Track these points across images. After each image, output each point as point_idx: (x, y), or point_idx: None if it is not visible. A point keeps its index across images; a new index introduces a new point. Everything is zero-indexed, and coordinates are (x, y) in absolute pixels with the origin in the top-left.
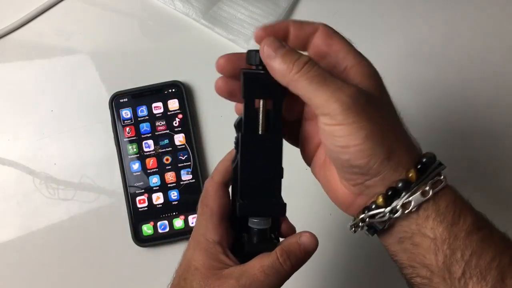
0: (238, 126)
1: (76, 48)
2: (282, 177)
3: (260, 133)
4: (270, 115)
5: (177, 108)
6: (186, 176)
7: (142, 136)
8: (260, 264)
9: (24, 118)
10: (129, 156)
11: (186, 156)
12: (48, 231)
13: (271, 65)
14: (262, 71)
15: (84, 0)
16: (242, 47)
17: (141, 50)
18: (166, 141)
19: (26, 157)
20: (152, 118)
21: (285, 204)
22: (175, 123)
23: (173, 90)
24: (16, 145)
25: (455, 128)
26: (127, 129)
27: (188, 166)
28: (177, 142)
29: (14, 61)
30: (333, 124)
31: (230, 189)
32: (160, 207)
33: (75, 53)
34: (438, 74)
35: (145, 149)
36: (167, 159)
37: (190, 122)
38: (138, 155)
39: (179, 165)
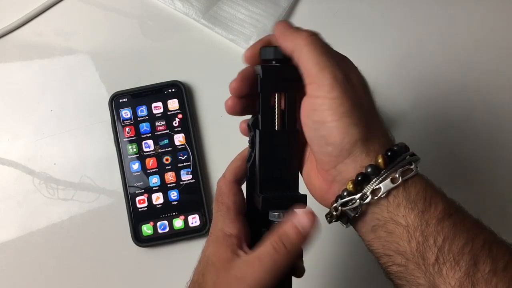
0: (253, 124)
1: (76, 48)
2: (298, 170)
3: (276, 129)
4: (285, 110)
5: (177, 108)
6: (186, 176)
7: (142, 136)
8: (257, 253)
9: (24, 118)
10: (129, 156)
11: (186, 156)
12: (48, 231)
13: (284, 34)
14: (277, 65)
15: (84, 0)
16: (242, 47)
17: (141, 50)
18: (166, 141)
19: (26, 157)
20: (152, 118)
21: (305, 196)
22: (175, 123)
23: (173, 90)
24: (16, 145)
25: (455, 128)
26: (127, 129)
27: (188, 166)
28: (177, 142)
29: (14, 61)
30: (317, 96)
31: (244, 187)
32: (160, 207)
33: (75, 53)
34: (438, 73)
35: (145, 149)
36: (167, 159)
37: (190, 122)
38: (138, 155)
39: (179, 165)
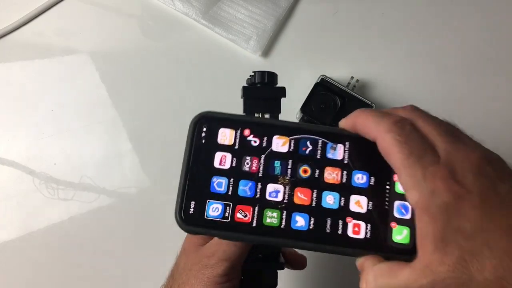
0: None
1: (76, 48)
2: None
3: None
4: None
5: None
6: None
7: None
8: None
9: (24, 118)
10: None
11: None
12: (48, 231)
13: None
14: (259, 85)
15: (84, 0)
16: (242, 47)
17: (141, 50)
18: None
19: (26, 157)
20: None
21: None
22: None
23: None
24: (16, 145)
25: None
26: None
27: None
28: None
29: (14, 61)
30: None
31: None
32: None
33: (75, 53)
34: (438, 74)
35: None
36: None
37: None
38: None
39: None
